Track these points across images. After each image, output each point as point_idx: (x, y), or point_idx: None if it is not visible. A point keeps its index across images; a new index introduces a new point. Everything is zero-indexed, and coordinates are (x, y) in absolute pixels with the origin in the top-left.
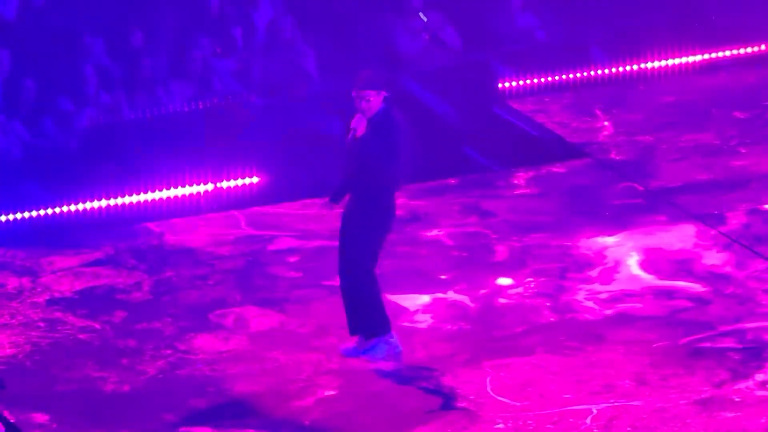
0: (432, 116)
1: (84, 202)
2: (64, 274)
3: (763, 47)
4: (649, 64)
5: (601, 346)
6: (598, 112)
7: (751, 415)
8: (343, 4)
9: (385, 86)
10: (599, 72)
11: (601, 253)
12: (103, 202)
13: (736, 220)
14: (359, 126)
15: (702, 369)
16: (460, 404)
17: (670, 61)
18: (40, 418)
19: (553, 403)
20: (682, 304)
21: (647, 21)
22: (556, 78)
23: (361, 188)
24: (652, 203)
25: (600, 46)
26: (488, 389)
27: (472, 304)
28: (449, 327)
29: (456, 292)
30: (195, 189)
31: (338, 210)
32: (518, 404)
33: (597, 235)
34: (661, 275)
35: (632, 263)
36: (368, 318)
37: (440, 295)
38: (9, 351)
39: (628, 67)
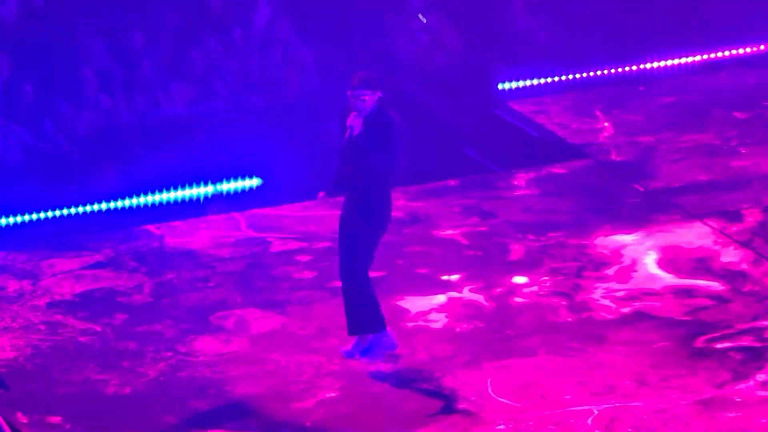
0: (432, 117)
1: (84, 204)
2: (65, 276)
3: (763, 47)
4: (649, 65)
5: (602, 347)
6: (598, 113)
7: (752, 416)
8: (343, 5)
9: (380, 86)
10: (599, 73)
11: (618, 252)
12: (104, 205)
13: (752, 218)
14: (355, 124)
15: (703, 369)
16: (461, 405)
17: (670, 62)
18: (41, 420)
19: (554, 404)
20: (701, 303)
21: (647, 22)
22: (556, 79)
23: (356, 189)
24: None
25: (600, 47)
26: (489, 390)
27: (486, 304)
28: (464, 326)
29: (471, 291)
30: (195, 191)
31: (336, 212)
32: (519, 405)
33: (614, 234)
34: (679, 274)
35: (650, 261)
36: (363, 316)
37: (455, 294)
38: (10, 354)
39: (627, 68)
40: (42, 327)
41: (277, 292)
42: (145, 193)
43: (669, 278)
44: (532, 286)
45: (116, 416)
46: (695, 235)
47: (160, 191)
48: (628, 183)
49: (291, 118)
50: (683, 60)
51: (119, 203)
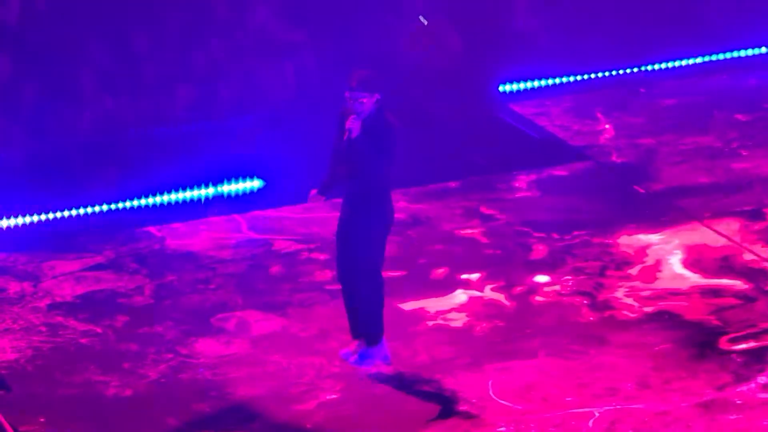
0: (432, 119)
1: (85, 206)
2: (66, 278)
3: (764, 50)
4: (650, 67)
5: (603, 349)
6: (599, 115)
7: (753, 418)
8: (344, 6)
9: (378, 88)
10: (600, 75)
11: (642, 251)
12: (105, 207)
13: None
14: (354, 127)
15: (704, 372)
16: (462, 407)
17: (671, 64)
18: (42, 422)
19: (556, 407)
20: (726, 302)
21: (648, 23)
22: (557, 81)
23: (356, 191)
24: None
25: (601, 49)
26: (490, 392)
27: (507, 303)
28: (484, 325)
29: (492, 290)
30: (196, 193)
31: (338, 213)
32: (520, 407)
33: (638, 233)
34: (705, 273)
35: (675, 261)
36: (373, 324)
37: (476, 293)
38: (11, 355)
39: (629, 70)
40: (43, 328)
41: (278, 294)
42: (146, 195)
43: (695, 277)
44: (554, 285)
45: (117, 418)
46: (718, 234)
47: (161, 193)
48: (629, 185)
49: (292, 120)
50: (684, 62)
51: (120, 205)
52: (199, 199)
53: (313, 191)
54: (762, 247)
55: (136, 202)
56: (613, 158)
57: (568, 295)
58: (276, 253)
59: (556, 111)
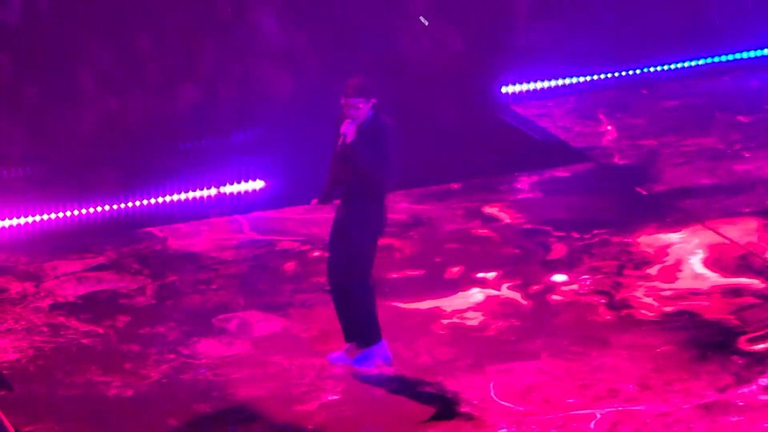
0: (434, 120)
1: (87, 206)
2: (68, 278)
3: (766, 51)
4: (653, 69)
5: (605, 350)
6: (601, 116)
7: (754, 420)
8: (345, 7)
9: (374, 93)
10: (602, 76)
11: (663, 250)
12: (106, 207)
13: None
14: (349, 131)
15: (706, 373)
16: (464, 409)
17: (674, 66)
18: (43, 422)
19: (557, 408)
20: (747, 301)
21: (650, 25)
22: (560, 82)
23: (352, 195)
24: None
25: (603, 50)
26: (492, 394)
27: (524, 302)
28: (500, 324)
29: (509, 288)
30: (198, 194)
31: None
32: (522, 409)
33: (658, 232)
34: (725, 272)
35: (695, 260)
36: (362, 326)
37: (493, 292)
38: (12, 356)
39: (631, 72)
40: (44, 329)
41: (280, 295)
42: (148, 196)
43: (715, 277)
44: (571, 284)
45: (118, 418)
46: (740, 232)
47: (163, 194)
48: (631, 186)
49: (294, 121)
50: (686, 64)
51: (122, 205)
52: (201, 200)
53: (314, 201)
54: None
55: (138, 203)
56: (615, 160)
57: (585, 295)
58: (278, 254)
59: (559, 112)
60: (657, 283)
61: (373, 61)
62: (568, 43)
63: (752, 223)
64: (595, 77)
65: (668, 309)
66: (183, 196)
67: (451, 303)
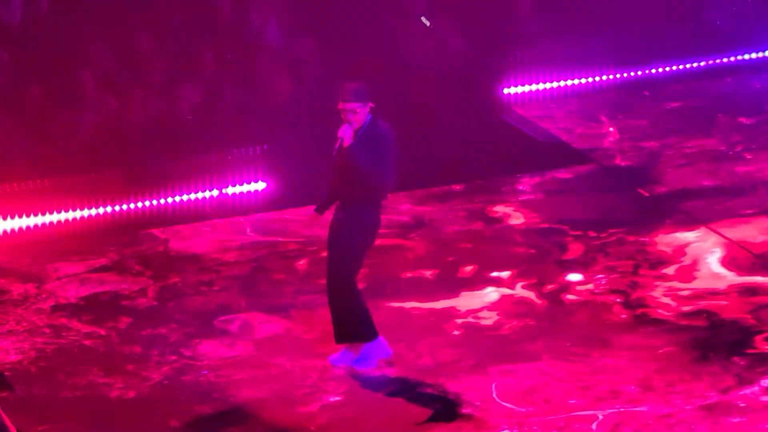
0: (437, 121)
1: (89, 208)
2: (70, 280)
3: None
4: (654, 70)
5: (607, 351)
6: (603, 117)
7: (756, 421)
8: (347, 8)
9: (371, 97)
10: (604, 78)
11: (681, 249)
12: (108, 208)
13: None
14: (346, 135)
15: (707, 375)
16: (466, 410)
17: (675, 67)
18: (45, 424)
19: (559, 409)
20: (764, 300)
21: (652, 27)
22: (562, 84)
23: (349, 198)
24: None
25: (605, 51)
26: (494, 395)
27: (539, 301)
28: (515, 323)
29: (523, 288)
30: (200, 195)
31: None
32: (524, 410)
33: (675, 231)
34: (741, 271)
35: (712, 259)
36: (354, 326)
37: (507, 291)
38: (14, 357)
39: (633, 73)
40: (46, 330)
41: (282, 296)
42: (150, 197)
43: (731, 276)
44: (587, 283)
45: (120, 420)
46: (758, 230)
47: (165, 195)
48: (633, 188)
49: (296, 122)
50: (688, 65)
51: (124, 207)
52: (203, 202)
53: (312, 210)
54: None
55: (140, 204)
56: (617, 161)
57: (601, 294)
58: (280, 255)
59: (561, 114)
60: (675, 283)
61: (375, 62)
62: (570, 44)
63: (755, 224)
64: (597, 79)
65: (686, 308)
66: (185, 197)
67: (465, 303)
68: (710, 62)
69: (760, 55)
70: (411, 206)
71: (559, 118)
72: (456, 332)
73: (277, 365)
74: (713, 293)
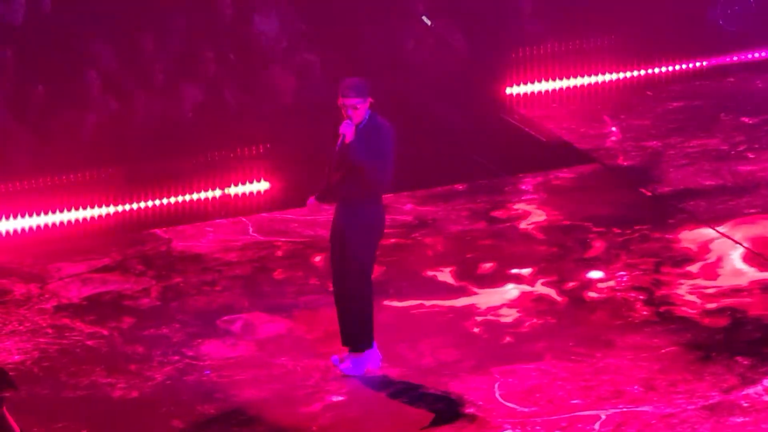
0: (439, 122)
1: (92, 208)
2: (72, 280)
3: None
4: (657, 70)
5: (609, 351)
6: (605, 117)
7: (759, 421)
8: (349, 9)
9: (370, 93)
10: (607, 78)
11: (705, 246)
12: (111, 209)
13: None
14: (348, 131)
15: (710, 374)
16: (468, 410)
17: (678, 67)
18: (48, 424)
19: (562, 409)
20: None
21: (654, 26)
22: (564, 84)
23: (349, 196)
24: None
25: (607, 51)
26: (496, 395)
27: (559, 298)
28: (534, 321)
29: (543, 285)
30: (203, 195)
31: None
32: (526, 410)
33: (697, 228)
34: (764, 267)
35: (735, 256)
36: (358, 332)
37: (527, 288)
38: (17, 357)
39: (635, 73)
40: (49, 330)
41: (284, 296)
42: (153, 197)
43: (752, 272)
44: (608, 281)
45: (123, 420)
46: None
47: (168, 195)
48: (635, 187)
49: (298, 122)
50: (691, 65)
51: (126, 207)
52: (206, 201)
53: (311, 198)
54: None
55: (142, 204)
56: (620, 161)
57: (622, 291)
58: (282, 255)
59: (563, 114)
60: (698, 281)
61: (378, 62)
62: (572, 44)
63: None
64: (600, 78)
65: (711, 306)
66: (188, 197)
67: (486, 300)
68: (713, 62)
69: (763, 54)
70: (413, 206)
71: (561, 118)
72: (476, 329)
73: (280, 365)
74: (736, 290)
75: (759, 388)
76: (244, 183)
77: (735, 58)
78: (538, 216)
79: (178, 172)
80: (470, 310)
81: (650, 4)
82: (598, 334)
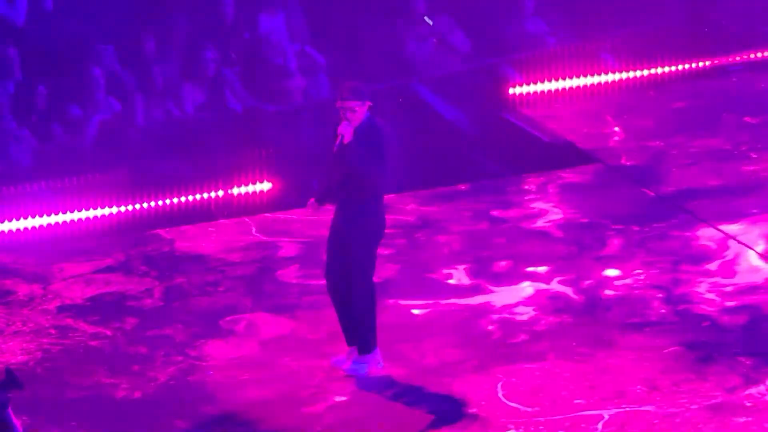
0: (442, 122)
1: (95, 208)
2: (75, 280)
3: None
4: (660, 70)
5: (612, 351)
6: (608, 117)
7: (762, 420)
8: (352, 10)
9: (369, 96)
10: (610, 78)
11: (723, 243)
12: (114, 209)
13: None
14: (346, 132)
15: (713, 374)
16: (472, 410)
17: (681, 67)
18: (51, 424)
19: (565, 409)
20: None
21: (657, 26)
22: (567, 84)
23: (349, 197)
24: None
25: (610, 51)
26: (499, 395)
27: (575, 297)
28: (551, 319)
29: (560, 283)
30: (206, 195)
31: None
32: (530, 410)
33: (718, 224)
34: None
35: (753, 253)
36: (362, 334)
37: (543, 286)
38: (20, 358)
39: (638, 73)
40: (52, 331)
41: (288, 297)
42: (156, 198)
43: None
44: (625, 278)
45: (126, 420)
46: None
47: (171, 195)
48: (638, 187)
49: (301, 123)
50: (694, 65)
51: (129, 207)
52: (209, 202)
53: (311, 200)
54: None
55: (145, 205)
56: (623, 161)
57: (641, 289)
58: (285, 255)
59: (566, 114)
60: (718, 279)
61: (380, 63)
62: (575, 44)
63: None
64: (603, 78)
65: (730, 303)
66: (191, 197)
67: (501, 298)
68: (716, 62)
69: (766, 54)
70: (416, 206)
71: (564, 118)
72: (490, 327)
73: (283, 366)
74: (753, 288)
75: (762, 387)
76: (247, 183)
77: (738, 58)
78: (540, 215)
79: (180, 173)
80: (482, 309)
81: (653, 4)
82: (601, 333)
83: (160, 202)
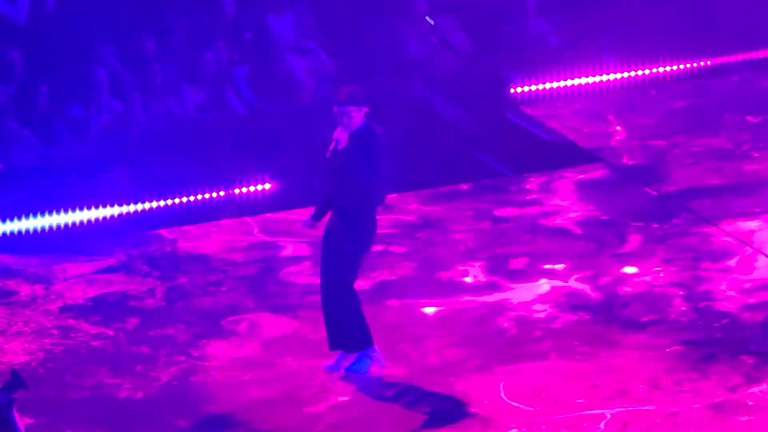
0: (444, 121)
1: (96, 208)
2: (77, 281)
3: None
4: (661, 69)
5: (614, 351)
6: (610, 117)
7: (764, 419)
8: (353, 10)
9: (366, 102)
10: (611, 77)
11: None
12: (116, 209)
13: None
14: (341, 138)
15: (715, 373)
16: (474, 410)
17: (682, 66)
18: (54, 424)
19: (567, 408)
20: None
21: (659, 26)
22: (569, 83)
23: (343, 202)
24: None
25: (612, 50)
26: (502, 394)
27: (593, 294)
28: (568, 316)
29: (577, 280)
30: (208, 195)
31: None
32: (532, 409)
33: (739, 221)
34: None
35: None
36: (350, 332)
37: (560, 283)
38: (22, 358)
39: (640, 72)
40: (54, 331)
41: (289, 297)
42: (158, 198)
43: None
44: (644, 275)
45: (128, 421)
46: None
47: (173, 195)
48: (640, 187)
49: (302, 123)
50: (695, 64)
51: (131, 207)
52: (211, 202)
53: (307, 219)
54: None
55: (147, 205)
56: (625, 160)
57: (664, 284)
58: (287, 255)
59: (568, 113)
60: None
61: (381, 62)
62: (577, 43)
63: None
64: (604, 78)
65: (751, 301)
66: (192, 197)
67: (517, 296)
68: (717, 61)
69: (767, 53)
70: (418, 206)
71: (565, 117)
72: (505, 325)
73: (285, 365)
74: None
75: (764, 386)
76: (248, 183)
77: (739, 57)
78: (541, 215)
79: (182, 172)
80: (498, 307)
81: (655, 3)
82: (603, 333)
83: (161, 202)
